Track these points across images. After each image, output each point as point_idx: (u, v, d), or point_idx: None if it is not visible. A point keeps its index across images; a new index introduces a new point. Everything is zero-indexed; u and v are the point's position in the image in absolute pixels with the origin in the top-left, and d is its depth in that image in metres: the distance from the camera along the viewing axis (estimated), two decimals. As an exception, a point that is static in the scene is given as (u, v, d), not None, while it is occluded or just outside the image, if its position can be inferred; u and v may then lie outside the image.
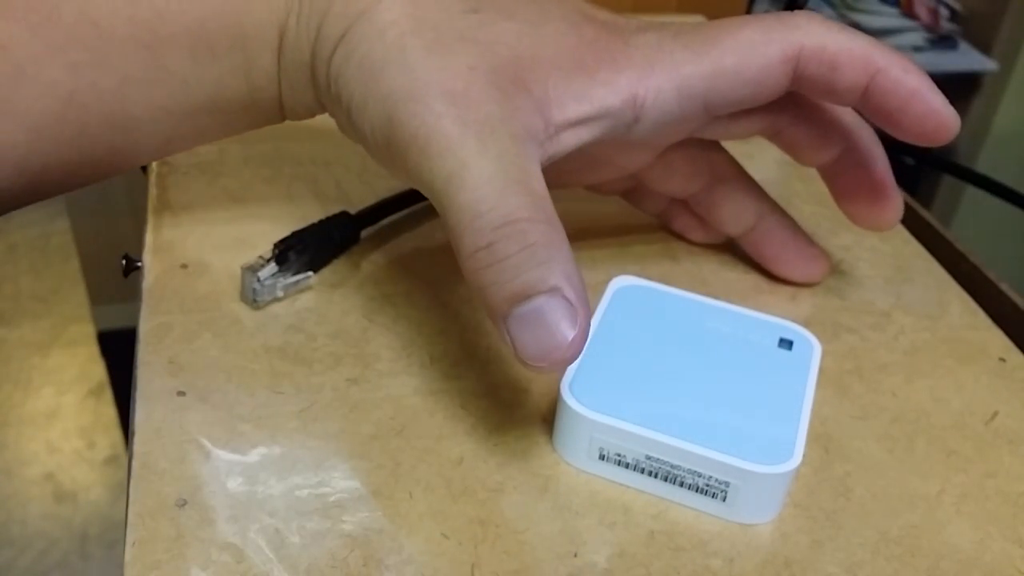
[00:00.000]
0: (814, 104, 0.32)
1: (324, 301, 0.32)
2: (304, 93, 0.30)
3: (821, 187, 0.34)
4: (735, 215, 0.35)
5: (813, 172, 0.34)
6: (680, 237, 0.37)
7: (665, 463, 0.26)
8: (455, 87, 0.26)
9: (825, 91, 0.29)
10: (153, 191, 0.37)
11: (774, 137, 0.33)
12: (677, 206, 0.36)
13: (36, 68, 0.27)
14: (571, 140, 0.28)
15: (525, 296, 0.24)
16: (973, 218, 1.42)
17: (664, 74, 0.28)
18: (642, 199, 0.37)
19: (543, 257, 0.24)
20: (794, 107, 0.32)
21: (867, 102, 0.29)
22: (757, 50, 0.28)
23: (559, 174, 0.29)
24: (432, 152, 0.25)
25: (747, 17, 0.29)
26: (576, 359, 0.25)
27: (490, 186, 0.25)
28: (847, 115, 0.32)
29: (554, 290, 0.24)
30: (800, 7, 0.58)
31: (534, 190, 0.25)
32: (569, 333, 0.24)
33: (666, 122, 0.29)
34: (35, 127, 0.27)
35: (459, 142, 0.25)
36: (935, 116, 0.28)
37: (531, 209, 0.25)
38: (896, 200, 0.33)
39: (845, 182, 0.33)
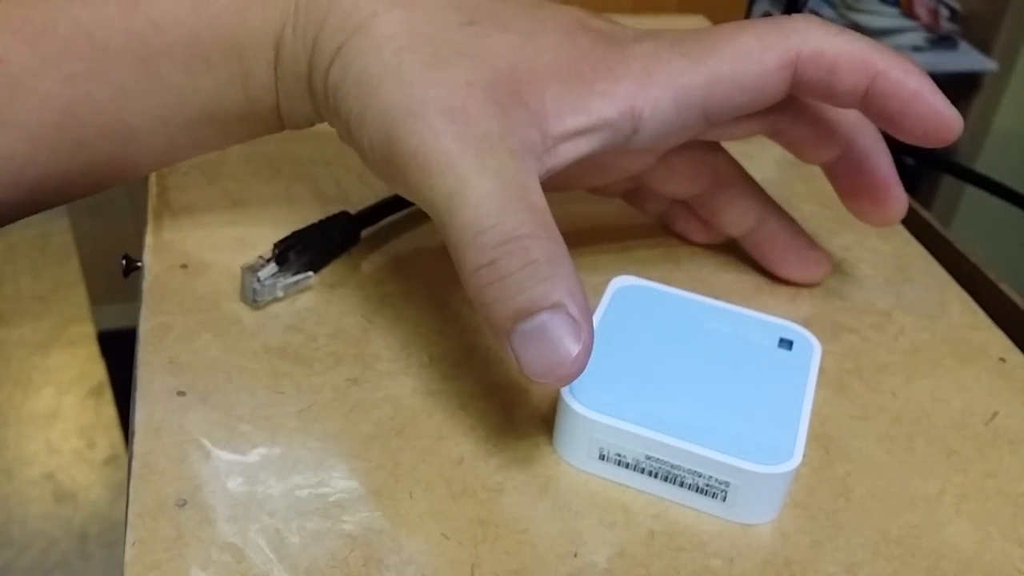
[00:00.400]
0: (815, 103, 0.32)
1: (324, 301, 0.32)
2: (302, 103, 0.29)
3: (821, 187, 0.34)
4: (737, 216, 0.35)
5: (813, 172, 0.34)
6: (682, 239, 0.37)
7: (665, 463, 0.26)
8: (453, 103, 0.26)
9: (825, 95, 0.29)
10: (153, 191, 0.37)
11: (775, 136, 0.33)
12: (678, 207, 0.36)
13: (32, 80, 0.27)
14: (569, 152, 0.28)
15: (528, 313, 0.24)
16: (973, 218, 1.42)
17: (661, 84, 0.28)
18: (644, 201, 0.36)
19: (546, 273, 0.24)
20: (795, 107, 0.31)
21: (868, 105, 0.28)
22: (754, 57, 0.28)
23: (560, 178, 0.29)
24: (432, 170, 0.25)
25: (744, 23, 0.29)
26: (580, 374, 0.25)
27: (491, 203, 0.25)
28: (849, 113, 0.32)
29: (557, 306, 0.24)
30: (799, 8, 0.59)
31: (534, 205, 0.25)
32: (573, 349, 0.24)
33: (665, 132, 0.29)
34: (33, 138, 0.28)
35: (459, 159, 0.25)
36: (937, 117, 0.28)
37: (532, 225, 0.25)
38: (900, 195, 0.32)
39: (849, 179, 0.33)
